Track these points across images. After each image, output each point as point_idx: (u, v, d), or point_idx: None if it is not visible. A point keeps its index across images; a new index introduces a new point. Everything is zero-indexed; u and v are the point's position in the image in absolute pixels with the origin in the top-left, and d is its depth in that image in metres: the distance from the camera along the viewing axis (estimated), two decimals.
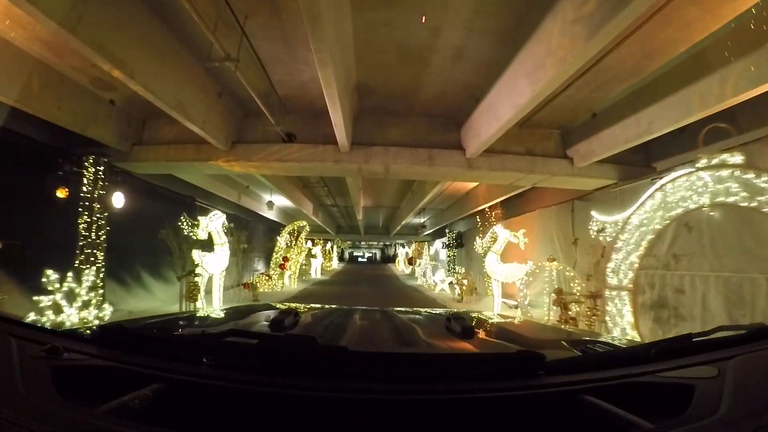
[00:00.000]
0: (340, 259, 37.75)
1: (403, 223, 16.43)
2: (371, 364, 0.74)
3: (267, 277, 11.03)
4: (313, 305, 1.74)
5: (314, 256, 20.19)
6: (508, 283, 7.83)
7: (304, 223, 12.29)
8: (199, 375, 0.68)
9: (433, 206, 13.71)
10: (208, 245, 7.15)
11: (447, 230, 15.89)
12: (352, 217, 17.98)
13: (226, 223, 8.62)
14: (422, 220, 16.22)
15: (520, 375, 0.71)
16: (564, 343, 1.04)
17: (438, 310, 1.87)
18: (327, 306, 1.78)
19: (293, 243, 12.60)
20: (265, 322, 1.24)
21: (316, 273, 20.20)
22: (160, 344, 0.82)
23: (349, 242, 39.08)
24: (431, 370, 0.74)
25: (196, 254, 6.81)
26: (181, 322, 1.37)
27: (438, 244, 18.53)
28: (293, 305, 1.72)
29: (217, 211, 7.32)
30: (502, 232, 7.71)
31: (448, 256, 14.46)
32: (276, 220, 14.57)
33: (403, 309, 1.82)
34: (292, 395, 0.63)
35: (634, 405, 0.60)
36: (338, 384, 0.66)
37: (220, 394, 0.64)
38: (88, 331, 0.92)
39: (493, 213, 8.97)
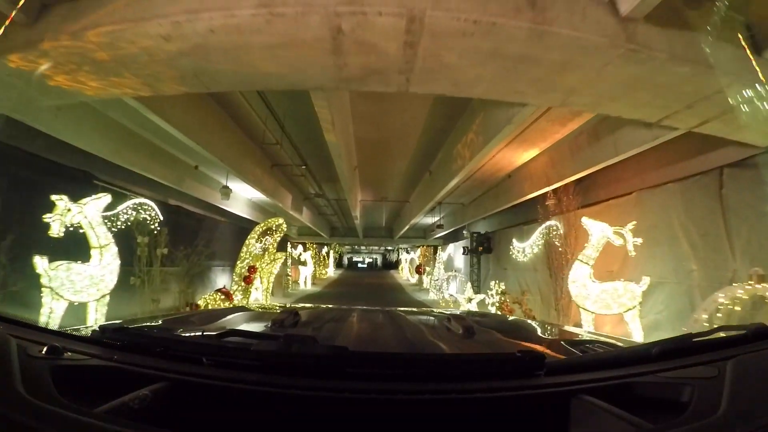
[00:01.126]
0: (339, 265, 34.91)
1: (411, 222, 13.18)
2: (372, 363, 0.73)
3: (224, 296, 7.78)
4: (313, 305, 1.78)
5: (303, 263, 17.27)
6: (603, 314, 4.60)
7: (281, 220, 9.08)
8: (199, 375, 0.67)
9: (452, 199, 10.54)
10: (80, 248, 4.00)
11: (465, 231, 12.67)
12: (347, 216, 14.72)
13: (153, 214, 5.63)
14: (437, 219, 12.93)
15: (520, 375, 0.70)
16: (564, 343, 1.04)
17: (438, 311, 1.83)
18: (327, 306, 1.76)
19: (270, 247, 9.46)
20: (265, 322, 1.25)
21: (305, 283, 17.29)
22: (160, 344, 0.80)
23: (347, 247, 36.41)
24: (431, 369, 0.73)
25: (41, 264, 3.62)
26: (181, 322, 1.34)
27: (452, 248, 15.25)
28: (293, 305, 1.78)
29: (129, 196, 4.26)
30: (596, 228, 4.50)
31: (471, 265, 11.16)
32: (249, 218, 11.47)
33: (403, 309, 1.80)
34: (293, 395, 0.63)
35: (634, 405, 0.59)
36: (339, 384, 0.65)
37: (220, 394, 0.65)
38: (89, 331, 0.92)
39: (564, 198, 5.72)
